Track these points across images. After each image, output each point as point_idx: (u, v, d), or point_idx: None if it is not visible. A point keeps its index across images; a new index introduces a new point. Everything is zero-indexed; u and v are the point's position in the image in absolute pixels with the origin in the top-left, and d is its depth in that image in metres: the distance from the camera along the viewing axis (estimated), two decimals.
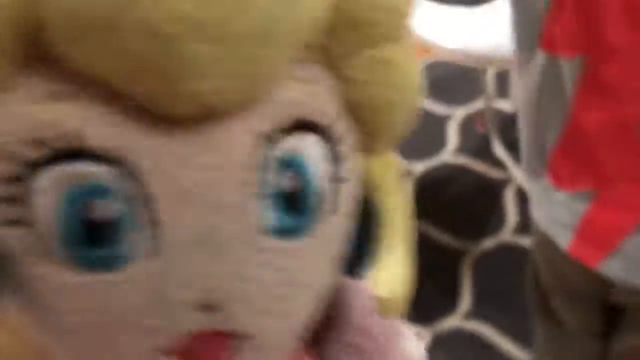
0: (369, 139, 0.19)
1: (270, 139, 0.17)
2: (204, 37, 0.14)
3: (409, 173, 1.23)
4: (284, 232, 0.17)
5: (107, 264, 0.16)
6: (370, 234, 0.21)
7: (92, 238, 0.16)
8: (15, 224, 0.16)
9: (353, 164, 0.19)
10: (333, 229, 0.19)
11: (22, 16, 0.15)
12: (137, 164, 0.16)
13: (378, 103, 0.19)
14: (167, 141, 0.16)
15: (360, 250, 0.21)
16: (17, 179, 0.16)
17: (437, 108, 1.39)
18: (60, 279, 0.16)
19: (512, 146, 1.24)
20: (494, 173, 1.22)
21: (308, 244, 0.18)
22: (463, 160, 1.28)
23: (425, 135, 1.27)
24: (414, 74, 0.20)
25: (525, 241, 1.04)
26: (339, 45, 0.18)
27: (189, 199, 0.16)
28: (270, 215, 0.17)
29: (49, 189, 0.16)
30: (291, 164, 0.17)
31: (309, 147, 0.17)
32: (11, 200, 0.16)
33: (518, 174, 1.18)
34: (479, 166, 1.25)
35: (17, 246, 0.16)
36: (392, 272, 0.21)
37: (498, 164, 1.24)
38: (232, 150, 0.16)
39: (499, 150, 1.25)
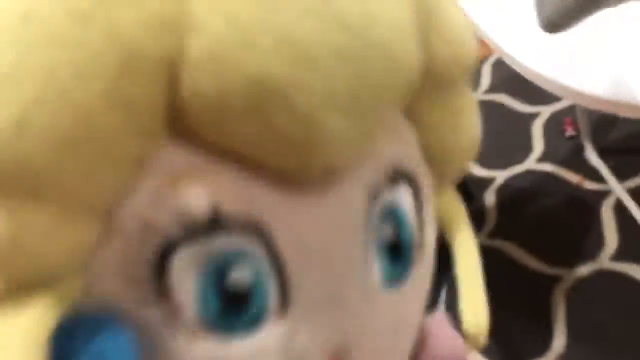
0: (437, 180, 0.20)
1: (377, 192, 0.18)
2: (342, 113, 0.15)
3: (487, 183, 1.09)
4: (391, 282, 0.18)
5: (242, 328, 0.16)
6: (444, 269, 0.22)
7: (228, 306, 0.16)
8: (160, 298, 0.16)
9: (431, 207, 0.20)
10: (425, 270, 0.20)
11: (163, 97, 0.15)
12: (269, 228, 0.16)
13: (449, 146, 0.20)
14: (293, 203, 0.16)
15: (436, 285, 0.22)
16: (160, 256, 0.16)
17: (518, 106, 1.24)
18: (198, 349, 0.16)
19: (608, 151, 1.09)
20: (587, 184, 1.07)
21: (409, 289, 0.19)
22: (550, 167, 1.12)
23: (505, 139, 1.13)
24: (476, 116, 0.21)
25: (628, 267, 0.90)
26: (418, 96, 0.18)
27: (316, 259, 0.17)
28: (380, 268, 0.18)
29: (188, 264, 0.16)
30: (390, 215, 0.18)
31: (403, 197, 0.18)
32: (156, 275, 0.16)
33: (616, 184, 1.02)
34: (570, 175, 1.10)
35: (159, 320, 0.16)
36: (474, 307, 0.22)
37: (592, 172, 1.08)
38: (349, 206, 0.17)
39: (592, 156, 1.10)
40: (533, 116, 1.21)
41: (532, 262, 0.96)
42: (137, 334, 0.16)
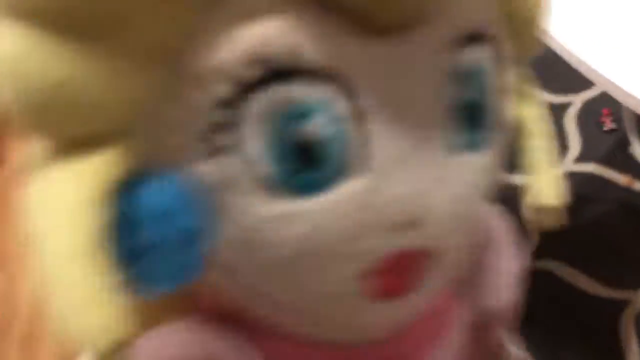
0: (517, 51, 0.19)
1: (456, 48, 0.17)
2: None
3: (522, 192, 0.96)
4: (470, 146, 0.18)
5: (318, 185, 0.16)
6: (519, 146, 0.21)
7: (304, 159, 0.15)
8: (229, 151, 0.15)
9: (511, 75, 0.19)
10: (502, 141, 0.19)
11: None
12: (351, 79, 0.15)
13: (525, 15, 0.20)
14: (374, 54, 0.15)
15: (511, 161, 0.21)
16: (232, 102, 0.15)
17: (548, 97, 1.10)
18: (272, 208, 0.16)
19: None
20: (638, 184, 0.94)
21: (487, 157, 0.18)
22: (592, 168, 0.99)
23: None
24: None
25: None
26: None
27: (398, 113, 0.16)
28: (460, 130, 0.17)
29: (263, 112, 0.15)
30: (472, 76, 0.17)
31: (484, 59, 0.17)
32: (227, 125, 0.15)
33: None
34: (616, 176, 0.96)
35: (229, 174, 0.15)
36: (549, 180, 0.20)
37: None
38: (430, 60, 0.16)
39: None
40: (564, 107, 1.07)
41: (590, 284, 0.83)
42: (205, 192, 0.16)
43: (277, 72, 0.15)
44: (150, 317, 0.18)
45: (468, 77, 0.18)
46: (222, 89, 0.15)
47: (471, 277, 0.23)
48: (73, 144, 0.15)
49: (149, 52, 0.15)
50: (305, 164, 0.16)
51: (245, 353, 0.19)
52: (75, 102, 0.14)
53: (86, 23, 0.14)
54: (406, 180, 0.17)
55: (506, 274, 0.23)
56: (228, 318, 0.20)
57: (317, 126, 0.16)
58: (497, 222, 0.24)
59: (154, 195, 0.15)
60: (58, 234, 0.15)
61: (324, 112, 0.16)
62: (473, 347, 0.24)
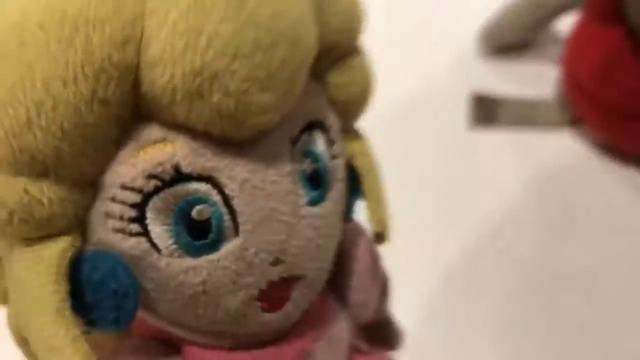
0: (344, 121, 0.26)
1: (297, 139, 0.23)
2: (262, 89, 0.20)
3: None
4: (313, 202, 0.24)
5: (206, 249, 0.22)
6: (354, 187, 0.27)
7: (194, 234, 0.22)
8: (140, 236, 0.21)
9: (340, 143, 0.25)
10: (339, 191, 0.25)
11: (129, 93, 0.20)
12: (217, 176, 0.21)
13: (351, 98, 0.26)
14: (234, 156, 0.22)
15: (350, 201, 0.28)
16: (138, 205, 0.21)
17: None
18: (175, 266, 0.22)
19: None
20: None
21: (328, 206, 0.24)
22: None
23: None
24: (370, 69, 0.26)
25: None
26: (320, 61, 0.23)
27: (255, 193, 0.22)
28: (305, 193, 0.23)
29: (160, 207, 0.21)
30: (309, 154, 0.24)
31: (318, 140, 0.24)
32: (136, 220, 0.21)
33: None
34: None
35: (142, 249, 0.22)
36: (378, 209, 0.27)
37: None
38: (277, 152, 0.22)
39: None
40: None
41: None
42: (128, 263, 0.22)
43: (166, 181, 0.21)
44: (96, 343, 0.24)
45: (308, 154, 0.24)
46: (130, 197, 0.21)
47: (337, 279, 0.28)
48: (27, 242, 0.21)
49: (76, 179, 0.21)
50: (195, 236, 0.22)
51: None
52: (28, 220, 0.20)
53: (31, 167, 0.20)
54: (267, 235, 0.23)
55: (361, 272, 0.29)
56: (159, 338, 0.25)
57: (199, 211, 0.22)
58: (357, 236, 0.29)
59: (90, 269, 0.21)
60: (30, 307, 0.21)
61: (203, 201, 0.22)
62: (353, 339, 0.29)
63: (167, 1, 0.20)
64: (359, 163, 0.27)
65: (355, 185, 0.28)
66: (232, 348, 0.25)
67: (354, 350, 0.30)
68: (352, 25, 0.25)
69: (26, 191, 0.20)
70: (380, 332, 0.33)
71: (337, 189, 0.25)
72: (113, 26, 0.20)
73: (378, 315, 0.31)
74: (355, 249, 0.29)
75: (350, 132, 0.28)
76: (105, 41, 0.20)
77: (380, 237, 0.28)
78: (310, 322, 0.27)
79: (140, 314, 0.23)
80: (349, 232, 0.29)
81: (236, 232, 0.22)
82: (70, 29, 0.19)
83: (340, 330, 0.28)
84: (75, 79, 0.19)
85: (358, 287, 0.29)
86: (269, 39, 0.20)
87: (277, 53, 0.21)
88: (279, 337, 0.26)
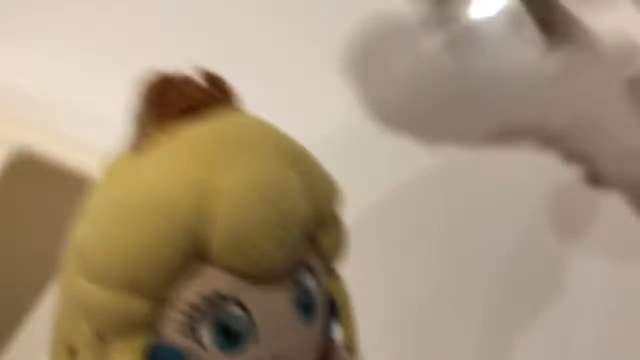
0: (326, 266, 0.32)
1: (297, 280, 0.29)
2: (276, 249, 0.27)
3: None
4: (305, 322, 0.29)
5: (235, 349, 0.28)
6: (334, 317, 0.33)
7: (229, 337, 0.28)
8: (195, 340, 0.27)
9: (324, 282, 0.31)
10: (321, 316, 0.31)
11: (191, 236, 0.27)
12: (246, 303, 0.28)
13: (334, 251, 0.32)
14: (258, 290, 0.28)
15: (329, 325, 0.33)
16: (198, 311, 0.27)
17: None
18: (209, 358, 0.28)
19: None
20: None
21: (314, 328, 0.30)
22: None
23: None
24: (344, 226, 0.32)
25: None
26: (312, 229, 0.30)
27: (270, 317, 0.28)
28: (299, 314, 0.29)
29: (212, 315, 0.27)
30: (303, 289, 0.30)
31: (309, 280, 0.30)
32: (193, 324, 0.27)
33: None
34: None
35: (194, 348, 0.28)
36: (351, 337, 0.33)
37: None
38: (284, 289, 0.28)
39: None
40: None
41: None
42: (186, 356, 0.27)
43: (213, 304, 0.27)
44: None
45: (301, 289, 0.30)
46: (190, 312, 0.27)
47: None
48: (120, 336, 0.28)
49: (155, 298, 0.27)
50: (231, 340, 0.28)
51: None
52: (126, 324, 0.27)
53: (133, 288, 0.27)
54: (276, 344, 0.29)
55: None
56: None
57: (237, 326, 0.28)
58: None
59: (167, 356, 0.28)
60: None
61: (241, 320, 0.28)
62: None
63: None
64: (337, 298, 0.34)
65: (333, 312, 0.34)
66: None
67: None
68: (333, 196, 0.32)
69: (128, 304, 0.27)
70: None
71: (320, 317, 0.32)
72: (184, 199, 0.27)
73: None
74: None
75: (330, 273, 0.34)
76: (183, 208, 0.26)
77: (349, 349, 0.34)
78: None
79: None
80: (340, 350, 0.35)
81: (257, 340, 0.29)
82: (158, 205, 0.26)
83: None
84: (159, 236, 0.27)
85: None
86: (278, 214, 0.28)
87: (283, 223, 0.28)
88: None
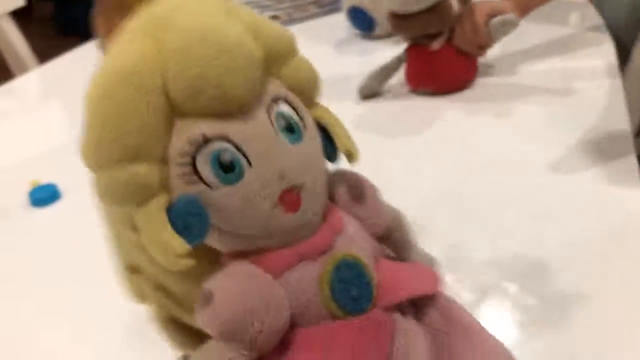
0: (304, 100, 0.39)
1: (270, 107, 0.36)
2: (236, 82, 0.34)
3: None
4: (294, 141, 0.36)
5: (236, 179, 0.34)
6: (328, 138, 0.39)
7: (225, 169, 0.34)
8: (197, 182, 0.34)
9: (303, 109, 0.38)
10: (313, 134, 0.38)
11: (165, 100, 0.34)
12: (231, 136, 0.34)
13: (300, 83, 0.39)
14: (238, 123, 0.34)
15: (328, 149, 0.40)
16: (192, 163, 0.34)
17: None
18: (222, 193, 0.34)
19: None
20: None
21: (307, 141, 0.37)
22: None
23: None
24: (309, 62, 0.39)
25: None
26: (272, 64, 0.37)
27: (256, 141, 0.35)
28: (286, 137, 0.36)
29: (203, 160, 0.34)
30: (280, 114, 0.36)
31: (284, 107, 0.37)
32: (193, 172, 0.34)
33: None
34: None
35: (201, 189, 0.34)
36: (344, 136, 0.39)
37: None
38: (261, 115, 0.35)
39: None
40: None
41: None
42: (198, 197, 0.34)
43: (201, 143, 0.34)
44: (198, 260, 0.34)
45: (279, 114, 0.36)
46: (186, 159, 0.34)
47: (352, 206, 0.41)
48: (139, 205, 0.33)
49: (156, 156, 0.34)
50: (226, 171, 0.34)
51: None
52: (135, 189, 0.33)
53: (130, 156, 0.33)
54: (270, 163, 0.35)
55: (371, 199, 0.42)
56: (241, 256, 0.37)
57: (227, 156, 0.34)
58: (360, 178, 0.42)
59: (180, 204, 0.34)
60: (148, 231, 0.33)
61: (225, 151, 0.34)
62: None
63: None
64: (324, 119, 0.40)
65: (328, 137, 0.40)
66: (284, 246, 0.37)
67: (382, 255, 0.42)
68: (287, 36, 0.38)
69: (131, 171, 0.33)
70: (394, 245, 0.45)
71: (309, 133, 0.38)
72: (149, 76, 0.34)
73: (388, 230, 0.43)
74: (363, 182, 0.42)
75: (313, 105, 0.40)
76: (149, 79, 0.33)
77: (350, 155, 0.40)
78: (329, 227, 0.39)
79: (215, 236, 0.36)
80: (354, 177, 0.41)
81: (250, 165, 0.35)
82: (136, 85, 0.33)
83: (357, 232, 0.40)
84: (138, 103, 0.33)
85: (371, 206, 0.42)
86: (230, 58, 0.34)
87: (237, 67, 0.34)
88: (309, 236, 0.38)
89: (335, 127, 0.40)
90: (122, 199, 0.34)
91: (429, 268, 0.44)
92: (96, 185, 0.34)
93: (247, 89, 0.35)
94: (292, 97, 0.38)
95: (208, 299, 0.35)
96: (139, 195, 0.34)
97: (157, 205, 0.34)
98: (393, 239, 0.44)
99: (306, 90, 0.40)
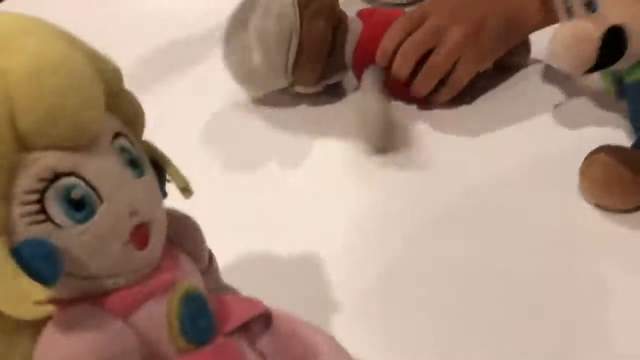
0: (135, 134, 0.39)
1: (113, 142, 0.35)
2: (85, 106, 0.33)
3: None
4: (138, 175, 0.36)
5: (86, 218, 0.33)
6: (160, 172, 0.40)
7: (77, 209, 0.33)
8: (44, 222, 0.32)
9: (138, 145, 0.38)
10: (150, 171, 0.38)
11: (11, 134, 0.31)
12: (80, 171, 0.33)
13: (133, 118, 0.39)
14: (85, 157, 0.33)
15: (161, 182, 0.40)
16: (39, 201, 0.32)
17: None
18: (73, 233, 0.33)
19: None
20: None
21: (148, 178, 0.37)
22: None
23: None
24: (134, 98, 0.39)
25: None
26: (109, 100, 0.35)
27: (104, 174, 0.34)
28: (131, 171, 0.35)
29: (52, 196, 0.32)
30: (122, 148, 0.36)
31: (125, 141, 0.36)
32: (39, 211, 0.32)
33: None
34: None
35: (48, 231, 0.32)
36: (178, 175, 0.41)
37: None
38: (106, 148, 0.35)
39: None
40: None
41: None
42: (47, 240, 0.32)
43: (50, 180, 0.32)
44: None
45: (122, 149, 0.36)
46: (32, 197, 0.32)
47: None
48: None
49: (3, 194, 0.32)
50: (78, 210, 0.33)
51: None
52: None
53: None
54: (122, 199, 0.34)
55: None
56: (83, 300, 0.35)
57: (77, 193, 0.33)
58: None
59: (24, 247, 0.32)
60: None
61: (75, 187, 0.33)
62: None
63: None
64: (154, 154, 0.41)
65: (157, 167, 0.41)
66: (130, 285, 0.37)
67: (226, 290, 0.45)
68: (118, 74, 0.38)
69: None
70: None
71: (148, 170, 0.38)
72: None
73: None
74: (187, 218, 0.44)
75: (139, 138, 0.40)
76: None
77: (185, 190, 0.41)
78: (170, 262, 0.40)
79: (66, 282, 0.34)
80: (178, 212, 0.43)
81: (101, 201, 0.34)
82: None
83: (190, 265, 0.42)
84: None
85: (196, 241, 0.44)
86: (76, 98, 0.32)
87: (79, 104, 0.33)
88: (152, 273, 0.38)
89: (167, 163, 0.41)
90: None
91: (246, 296, 0.46)
92: None
93: (100, 122, 0.34)
94: (129, 133, 0.38)
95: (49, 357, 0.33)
96: None
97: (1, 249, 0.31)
98: (211, 270, 0.46)
99: (136, 124, 0.40)
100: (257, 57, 0.73)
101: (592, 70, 0.53)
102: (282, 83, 0.76)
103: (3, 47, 0.32)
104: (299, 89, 0.77)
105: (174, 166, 0.41)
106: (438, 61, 0.71)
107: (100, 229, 0.34)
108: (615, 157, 0.56)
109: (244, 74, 0.76)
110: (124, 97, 0.39)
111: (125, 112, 0.39)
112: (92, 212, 0.34)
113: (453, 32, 0.71)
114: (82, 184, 0.33)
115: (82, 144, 0.34)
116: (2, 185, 0.32)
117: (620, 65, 0.56)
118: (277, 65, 0.73)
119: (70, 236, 0.33)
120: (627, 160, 0.57)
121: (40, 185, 0.32)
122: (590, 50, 0.50)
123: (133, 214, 0.35)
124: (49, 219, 0.33)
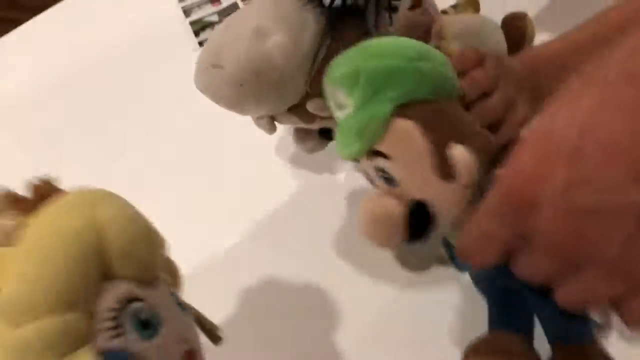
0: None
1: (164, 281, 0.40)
2: (153, 251, 0.39)
3: None
4: (183, 311, 0.41)
5: (153, 334, 0.37)
6: None
7: (145, 328, 0.37)
8: (120, 336, 0.36)
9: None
10: (189, 312, 0.43)
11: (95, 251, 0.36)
12: (147, 299, 0.38)
13: (174, 272, 0.45)
14: (150, 291, 0.38)
15: None
16: (116, 317, 0.36)
17: None
18: (144, 345, 0.37)
19: None
20: None
21: (188, 314, 0.42)
22: None
23: None
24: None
25: None
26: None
27: (164, 305, 0.39)
28: (180, 307, 0.41)
29: (127, 312, 0.36)
30: (172, 293, 0.41)
31: (167, 287, 0.41)
32: (116, 327, 0.36)
33: None
34: None
35: (124, 345, 0.36)
36: (209, 323, 0.46)
37: None
38: (164, 290, 0.40)
39: None
40: None
41: None
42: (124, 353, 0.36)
43: (125, 303, 0.36)
44: None
45: (172, 293, 0.42)
46: (112, 314, 0.36)
47: None
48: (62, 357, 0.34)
49: (85, 310, 0.35)
50: (145, 329, 0.37)
51: None
52: (63, 341, 0.34)
53: (62, 307, 0.34)
54: (175, 326, 0.39)
55: None
56: None
57: (146, 315, 0.37)
58: None
59: (113, 356, 0.35)
60: None
61: (145, 311, 0.37)
62: None
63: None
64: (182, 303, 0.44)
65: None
66: None
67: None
68: (165, 242, 0.43)
69: (66, 319, 0.35)
70: None
71: (188, 310, 0.44)
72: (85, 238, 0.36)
73: None
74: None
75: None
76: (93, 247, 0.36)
77: (216, 339, 0.46)
78: None
79: None
80: None
81: (161, 325, 0.39)
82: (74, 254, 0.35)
83: None
84: (84, 264, 0.36)
85: None
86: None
87: (152, 239, 0.40)
88: None
89: (198, 312, 0.47)
90: (48, 349, 0.35)
91: None
92: (14, 343, 0.35)
93: (159, 266, 0.41)
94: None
95: None
96: (65, 346, 0.35)
97: (86, 357, 0.36)
98: None
99: (177, 283, 0.47)
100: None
101: (408, 243, 0.47)
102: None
103: (95, 204, 0.38)
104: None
105: (205, 317, 0.47)
106: None
107: (161, 350, 0.39)
108: None
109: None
110: (168, 259, 0.45)
111: (170, 270, 0.46)
112: (155, 332, 0.39)
113: None
114: (148, 309, 0.39)
115: (146, 280, 0.40)
116: (88, 298, 0.37)
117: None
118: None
119: (141, 350, 0.38)
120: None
121: (120, 306, 0.37)
122: (396, 226, 0.47)
123: (184, 341, 0.41)
124: (124, 334, 0.37)
